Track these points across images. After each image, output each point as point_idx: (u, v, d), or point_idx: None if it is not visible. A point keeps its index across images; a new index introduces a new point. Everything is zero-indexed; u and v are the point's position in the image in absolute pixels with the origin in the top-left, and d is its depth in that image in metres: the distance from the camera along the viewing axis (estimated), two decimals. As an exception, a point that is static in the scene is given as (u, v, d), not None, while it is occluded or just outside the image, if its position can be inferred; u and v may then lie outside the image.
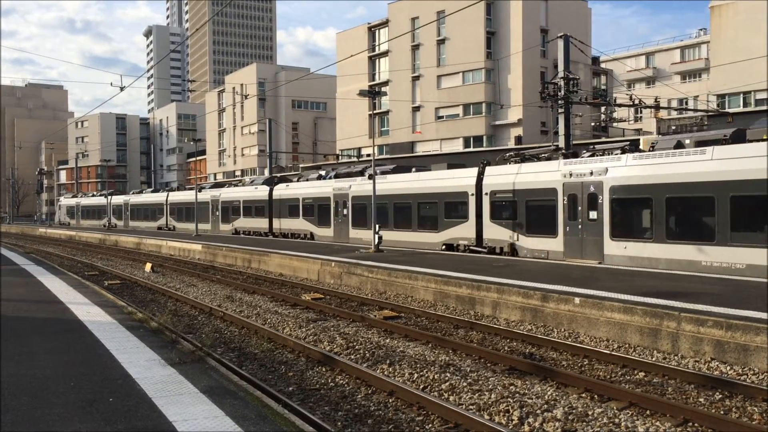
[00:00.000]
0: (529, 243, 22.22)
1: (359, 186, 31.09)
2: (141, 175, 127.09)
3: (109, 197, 67.31)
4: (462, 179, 25.36)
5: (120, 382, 7.62)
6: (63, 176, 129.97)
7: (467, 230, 24.82)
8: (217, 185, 50.46)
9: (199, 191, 48.29)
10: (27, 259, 29.04)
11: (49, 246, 45.20)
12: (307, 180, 37.75)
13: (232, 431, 6.03)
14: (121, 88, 28.88)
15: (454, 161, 35.35)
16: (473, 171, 25.15)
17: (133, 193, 65.96)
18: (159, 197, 56.74)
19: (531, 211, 22.16)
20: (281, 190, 38.43)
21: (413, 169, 29.70)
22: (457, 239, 25.28)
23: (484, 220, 23.97)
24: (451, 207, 25.65)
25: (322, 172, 37.57)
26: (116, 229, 59.79)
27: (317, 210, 34.21)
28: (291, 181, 41.60)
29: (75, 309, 13.28)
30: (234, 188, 46.14)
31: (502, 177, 23.49)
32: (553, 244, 21.14)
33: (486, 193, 23.79)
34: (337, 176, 34.36)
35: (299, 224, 36.10)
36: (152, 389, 7.33)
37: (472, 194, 24.46)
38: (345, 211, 31.94)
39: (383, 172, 29.97)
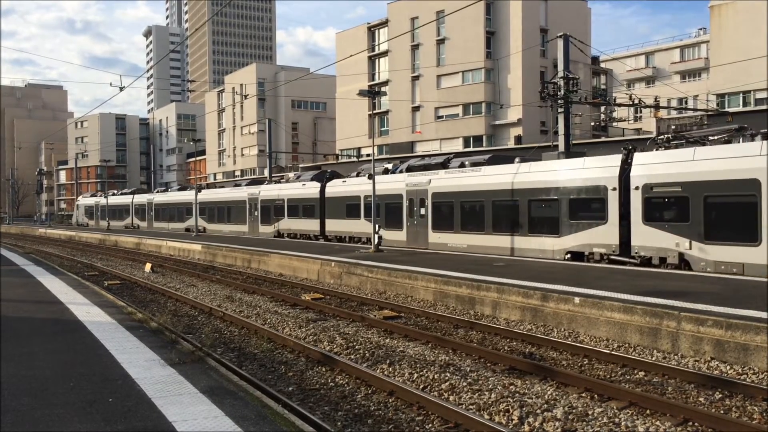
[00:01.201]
0: (713, 253, 17.02)
1: (442, 180, 26.29)
2: (141, 175, 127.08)
3: (133, 196, 63.49)
4: (596, 170, 20.32)
5: (120, 383, 7.62)
6: (63, 176, 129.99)
7: (605, 235, 19.78)
8: (255, 182, 45.46)
9: (232, 188, 45.26)
10: (27, 259, 29.03)
11: (49, 246, 45.18)
12: (369, 175, 32.78)
13: (231, 431, 6.02)
14: (121, 89, 28.88)
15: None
16: (612, 159, 20.23)
17: (158, 192, 61.60)
18: (187, 195, 51.88)
19: (714, 210, 17.20)
20: (336, 187, 33.41)
21: (516, 160, 24.54)
22: (588, 246, 20.31)
23: (633, 222, 18.96)
24: (580, 205, 20.71)
25: (388, 166, 32.17)
26: (138, 230, 56.25)
27: (384, 210, 29.28)
28: (342, 176, 36.49)
29: (75, 309, 13.27)
30: (276, 185, 40.75)
31: (661, 166, 18.44)
32: (754, 255, 16.11)
33: (636, 187, 18.77)
34: (410, 170, 29.29)
35: (360, 226, 31.08)
36: (152, 389, 7.33)
37: (613, 189, 19.56)
38: (423, 211, 27.09)
39: (475, 164, 25.71)
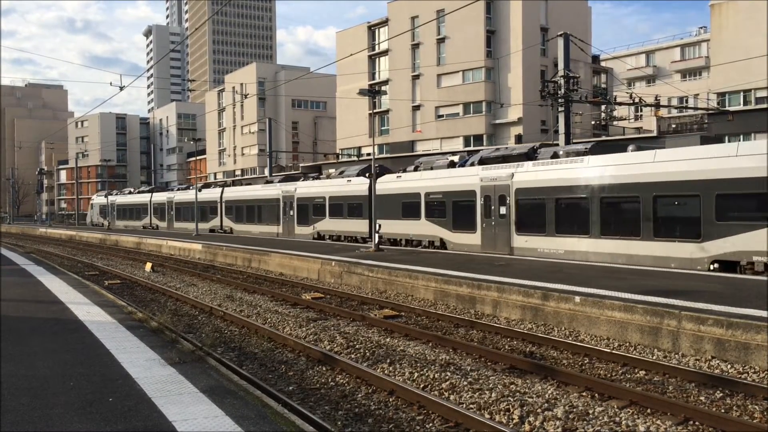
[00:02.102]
0: None
1: (530, 173, 22.37)
2: (141, 174, 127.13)
3: (151, 194, 59.06)
4: (754, 157, 16.20)
5: (120, 382, 7.61)
6: (63, 176, 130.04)
7: None
8: (289, 178, 41.69)
9: (263, 184, 41.96)
10: (27, 259, 29.03)
11: (49, 246, 45.18)
12: (432, 169, 28.27)
13: (232, 431, 6.01)
14: (121, 88, 28.88)
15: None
16: None
17: (179, 189, 56.92)
18: (211, 193, 48.21)
19: None
20: (388, 183, 29.63)
21: (630, 147, 20.46)
22: (747, 253, 16.17)
23: None
24: (732, 202, 16.74)
25: (454, 158, 28.55)
26: (157, 231, 52.82)
27: (452, 209, 25.53)
28: (392, 171, 32.88)
29: (75, 309, 13.27)
30: (315, 181, 36.86)
31: None
32: None
33: None
34: (483, 162, 25.17)
35: (420, 228, 27.41)
36: (152, 389, 7.32)
37: None
38: (503, 210, 23.19)
39: (571, 153, 21.96)
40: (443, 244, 26.15)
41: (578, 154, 21.57)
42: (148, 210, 57.84)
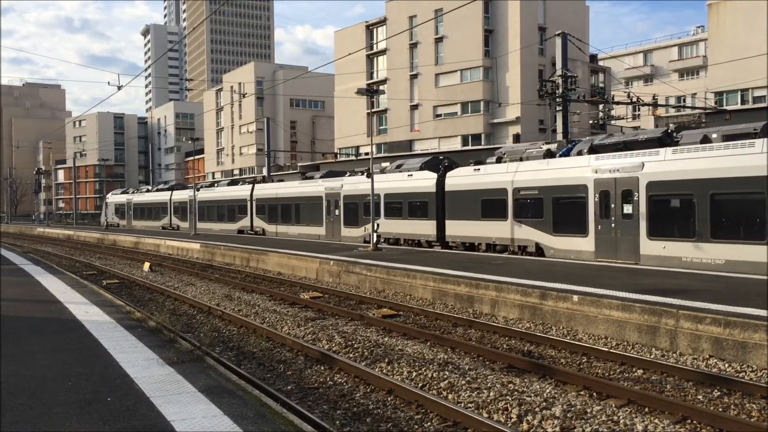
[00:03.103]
0: None
1: (669, 163, 18.23)
2: (139, 174, 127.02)
3: (171, 192, 54.53)
4: None
5: (118, 382, 7.61)
6: (61, 176, 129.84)
7: None
8: (331, 174, 36.66)
9: (301, 180, 38.10)
10: (25, 258, 29.00)
11: (47, 245, 45.13)
12: (522, 160, 23.88)
13: (230, 431, 6.02)
14: (119, 87, 28.86)
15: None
16: None
17: (202, 187, 51.77)
18: (240, 191, 43.80)
19: None
20: (463, 178, 25.45)
21: None
22: None
23: None
24: None
25: (551, 146, 24.08)
26: (178, 232, 48.98)
27: (552, 207, 21.48)
28: (458, 164, 28.25)
29: (73, 308, 13.26)
30: (365, 177, 31.53)
31: None
32: None
33: None
34: (595, 150, 21.06)
35: (506, 230, 23.23)
36: (150, 388, 7.32)
37: None
38: (627, 209, 19.14)
39: (733, 136, 17.77)
40: (539, 249, 21.98)
41: (744, 136, 17.43)
42: (167, 209, 53.44)
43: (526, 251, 22.51)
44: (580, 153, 21.49)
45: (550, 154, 23.06)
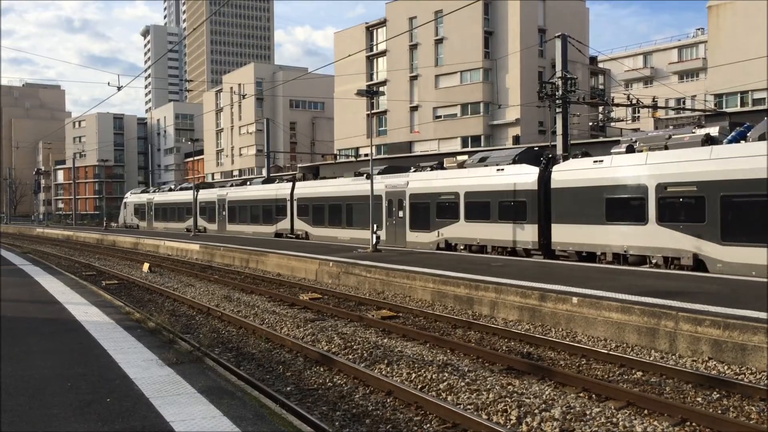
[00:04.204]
0: None
1: None
2: (138, 175, 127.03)
3: (196, 191, 49.41)
4: None
5: (117, 383, 7.61)
6: (60, 176, 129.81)
7: None
8: (392, 170, 32.01)
9: (353, 178, 33.34)
10: (24, 259, 28.98)
11: (47, 246, 45.11)
12: (667, 148, 19.37)
13: (229, 431, 6.01)
14: (119, 88, 28.85)
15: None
16: None
17: (233, 185, 47.55)
18: (278, 190, 39.39)
19: None
20: (578, 172, 21.07)
21: None
22: None
23: None
24: None
25: (709, 131, 19.35)
26: (205, 234, 44.98)
27: (720, 208, 17.05)
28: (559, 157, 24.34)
29: (72, 309, 13.25)
30: (437, 172, 27.86)
31: None
32: None
33: None
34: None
35: (646, 236, 18.78)
36: (150, 389, 7.32)
37: None
38: None
39: None
40: (699, 262, 17.47)
41: None
42: (192, 209, 48.72)
43: (677, 264, 17.95)
44: (762, 137, 16.89)
45: (710, 140, 18.60)
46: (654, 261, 18.68)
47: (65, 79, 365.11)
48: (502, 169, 23.94)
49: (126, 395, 7.09)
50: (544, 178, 22.30)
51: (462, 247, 25.17)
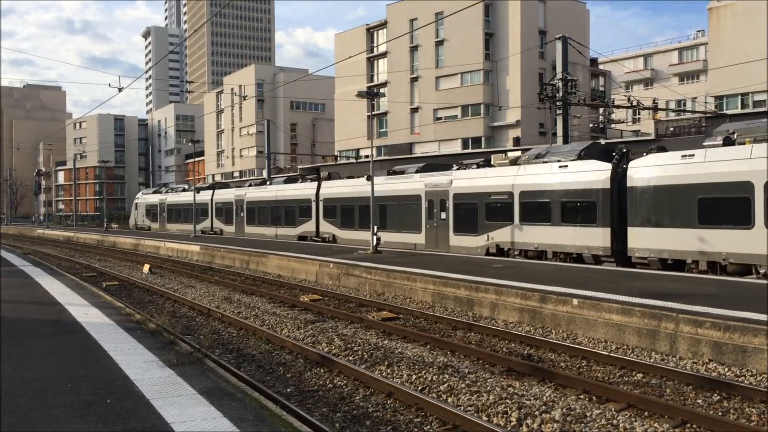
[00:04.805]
0: None
1: None
2: (139, 176, 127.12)
3: (213, 191, 47.60)
4: None
5: (118, 384, 7.61)
6: (61, 177, 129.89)
7: None
8: (430, 168, 29.16)
9: (388, 176, 30.17)
10: (25, 260, 28.99)
11: (47, 247, 45.13)
12: None
13: (230, 433, 6.02)
14: (120, 89, 28.86)
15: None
16: None
17: (251, 185, 44.13)
18: (302, 189, 36.60)
19: None
20: (662, 168, 18.76)
21: None
22: None
23: None
24: None
25: None
26: (221, 237, 42.26)
27: None
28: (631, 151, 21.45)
29: (73, 310, 13.25)
30: (484, 170, 25.14)
31: None
32: None
33: None
34: None
35: (758, 241, 16.33)
36: (150, 390, 7.32)
37: None
38: None
39: None
40: None
41: None
42: (208, 211, 47.06)
43: None
44: None
45: None
46: (763, 271, 16.11)
47: (66, 80, 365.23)
48: (566, 166, 21.39)
49: (126, 396, 7.10)
50: (618, 176, 19.86)
51: (516, 253, 22.79)
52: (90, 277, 23.50)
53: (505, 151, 37.20)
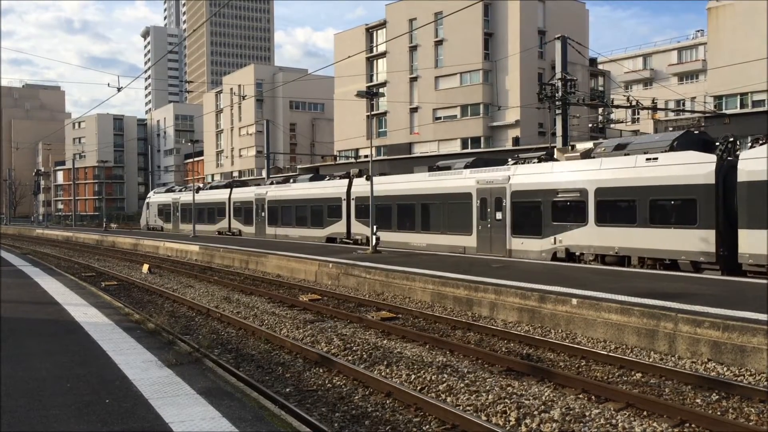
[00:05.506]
0: None
1: None
2: (138, 176, 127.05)
3: (230, 190, 45.30)
4: None
5: (117, 384, 7.61)
6: (60, 177, 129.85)
7: None
8: (481, 162, 26.80)
9: (431, 173, 27.61)
10: (24, 260, 28.98)
11: (46, 247, 45.11)
12: None
13: (229, 432, 6.02)
14: (119, 89, 28.85)
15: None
16: None
17: (273, 183, 41.94)
18: (331, 187, 33.92)
19: None
20: None
21: None
22: None
23: None
24: None
25: None
26: (240, 238, 40.11)
27: None
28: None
29: (72, 310, 13.25)
30: (551, 164, 22.51)
31: None
32: None
33: None
34: None
35: None
36: (149, 390, 7.32)
37: None
38: None
39: None
40: None
41: None
42: (225, 210, 44.67)
43: None
44: None
45: None
46: None
47: (65, 80, 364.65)
48: (655, 158, 18.57)
49: (125, 396, 7.09)
50: (723, 169, 17.29)
51: (591, 258, 20.13)
52: (89, 277, 23.49)
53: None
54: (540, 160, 23.40)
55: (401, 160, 54.51)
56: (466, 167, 25.90)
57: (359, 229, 30.80)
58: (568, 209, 20.91)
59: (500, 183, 23.34)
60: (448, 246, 25.37)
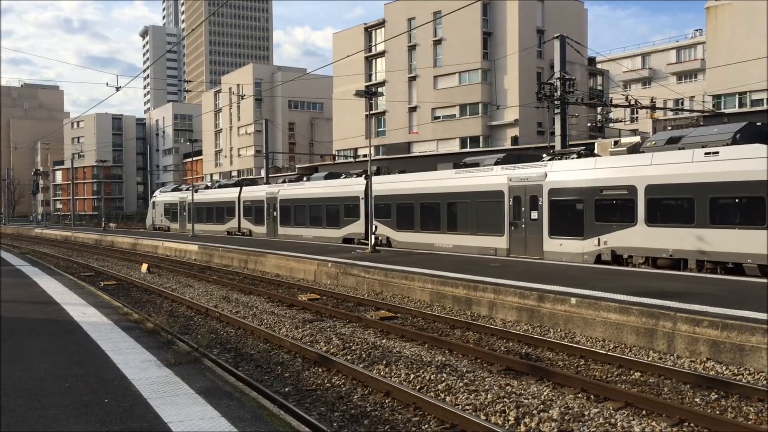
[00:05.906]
0: None
1: None
2: (137, 175, 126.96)
3: (240, 188, 43.62)
4: None
5: (116, 383, 7.60)
6: (59, 177, 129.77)
7: None
8: (512, 159, 25.50)
9: (457, 170, 26.13)
10: (22, 259, 28.95)
11: (45, 247, 45.07)
12: None
13: (228, 432, 6.02)
14: (117, 89, 28.85)
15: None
16: None
17: (285, 181, 40.59)
18: (346, 186, 32.70)
19: None
20: None
21: None
22: None
23: None
24: None
25: None
26: (250, 238, 38.70)
27: None
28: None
29: (70, 310, 13.24)
30: (595, 158, 20.91)
31: None
32: None
33: None
34: None
35: None
36: (148, 390, 7.31)
37: None
38: None
39: None
40: None
41: None
42: (235, 210, 43.29)
43: None
44: None
45: None
46: None
47: (64, 79, 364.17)
48: (716, 153, 17.05)
49: (124, 396, 7.09)
50: None
51: (641, 261, 18.64)
52: (88, 277, 23.47)
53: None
54: (579, 155, 22.01)
55: (400, 159, 54.48)
56: (496, 163, 24.52)
57: (379, 229, 28.70)
58: (614, 208, 19.53)
59: (536, 180, 21.88)
60: (477, 247, 24.15)
